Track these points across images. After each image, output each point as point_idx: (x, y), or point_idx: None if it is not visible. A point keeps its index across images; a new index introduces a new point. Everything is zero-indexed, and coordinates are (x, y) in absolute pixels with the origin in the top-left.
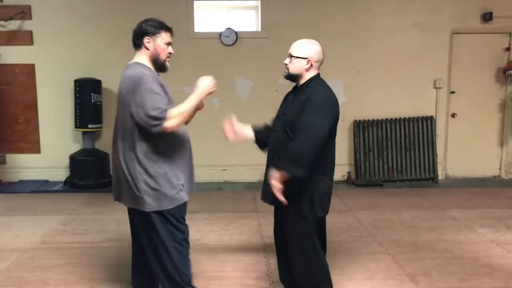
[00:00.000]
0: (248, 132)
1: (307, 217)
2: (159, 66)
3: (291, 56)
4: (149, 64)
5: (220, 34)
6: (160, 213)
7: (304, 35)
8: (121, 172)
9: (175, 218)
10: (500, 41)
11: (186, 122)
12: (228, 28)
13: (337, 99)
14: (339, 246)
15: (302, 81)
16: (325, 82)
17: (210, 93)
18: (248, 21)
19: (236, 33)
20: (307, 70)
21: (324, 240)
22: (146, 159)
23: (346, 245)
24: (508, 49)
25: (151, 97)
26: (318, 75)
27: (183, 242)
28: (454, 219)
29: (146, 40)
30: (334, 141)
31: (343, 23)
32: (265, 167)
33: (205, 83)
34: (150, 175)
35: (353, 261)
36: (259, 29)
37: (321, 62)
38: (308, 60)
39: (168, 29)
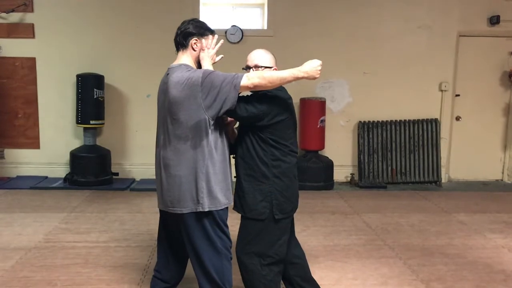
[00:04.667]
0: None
1: (264, 220)
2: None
3: (258, 66)
4: (194, 66)
5: (226, 31)
6: (210, 213)
7: (310, 35)
8: (174, 174)
9: (222, 220)
10: (506, 45)
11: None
12: (234, 26)
13: (290, 101)
14: (349, 250)
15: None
16: (284, 88)
17: (311, 78)
18: (253, 19)
19: (242, 30)
20: None
21: (295, 245)
22: (208, 158)
23: (356, 248)
24: None
25: (224, 74)
26: None
27: (229, 247)
28: (462, 224)
29: (193, 41)
30: (293, 145)
31: (349, 24)
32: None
33: (311, 65)
34: (208, 174)
35: (364, 266)
36: (265, 27)
37: None
38: (274, 68)
39: (213, 33)
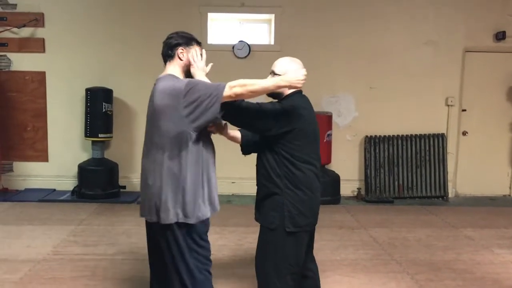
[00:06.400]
0: (236, 134)
1: (276, 230)
2: (190, 77)
3: (274, 73)
4: (181, 76)
5: (233, 46)
6: (185, 226)
7: (316, 50)
8: (150, 184)
9: (198, 234)
10: None
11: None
12: (241, 41)
13: (305, 111)
14: (356, 264)
15: (281, 97)
16: (303, 98)
17: (293, 87)
18: (260, 34)
19: (249, 46)
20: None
21: (310, 260)
22: (186, 170)
23: (363, 263)
24: None
25: (208, 85)
26: (299, 92)
27: (205, 260)
28: (469, 239)
29: (180, 50)
30: (310, 156)
31: (356, 39)
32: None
33: (296, 75)
34: (185, 187)
35: (372, 281)
36: (272, 42)
37: None
38: None
39: (199, 43)
